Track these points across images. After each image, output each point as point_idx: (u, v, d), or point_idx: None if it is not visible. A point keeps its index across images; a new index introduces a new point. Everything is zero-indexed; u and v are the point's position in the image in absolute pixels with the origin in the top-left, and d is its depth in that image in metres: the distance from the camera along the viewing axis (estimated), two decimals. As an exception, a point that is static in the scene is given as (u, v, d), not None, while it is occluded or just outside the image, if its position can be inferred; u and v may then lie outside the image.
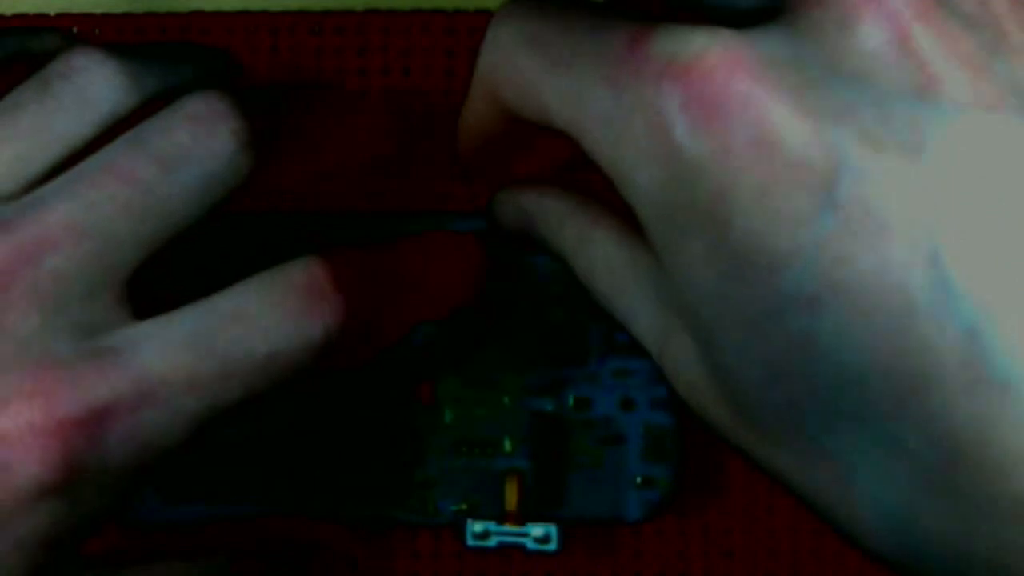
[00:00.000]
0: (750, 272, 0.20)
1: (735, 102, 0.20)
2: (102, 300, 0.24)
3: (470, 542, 0.30)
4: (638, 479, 0.30)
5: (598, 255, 0.26)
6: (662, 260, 0.22)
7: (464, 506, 0.30)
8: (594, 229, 0.26)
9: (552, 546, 0.30)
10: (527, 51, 0.23)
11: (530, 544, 0.30)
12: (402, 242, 0.28)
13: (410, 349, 0.30)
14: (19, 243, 0.24)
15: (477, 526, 0.30)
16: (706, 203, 0.21)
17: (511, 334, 0.31)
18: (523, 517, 0.30)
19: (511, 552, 0.32)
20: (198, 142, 0.25)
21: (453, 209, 0.33)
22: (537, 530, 0.30)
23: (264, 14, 0.34)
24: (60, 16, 0.34)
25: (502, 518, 0.30)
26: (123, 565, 0.29)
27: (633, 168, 0.22)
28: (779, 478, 0.22)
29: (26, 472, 0.23)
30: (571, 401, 0.30)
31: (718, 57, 0.20)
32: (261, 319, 0.25)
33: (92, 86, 0.26)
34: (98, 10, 0.34)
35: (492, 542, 0.30)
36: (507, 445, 0.30)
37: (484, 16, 0.34)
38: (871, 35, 0.20)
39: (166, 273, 0.27)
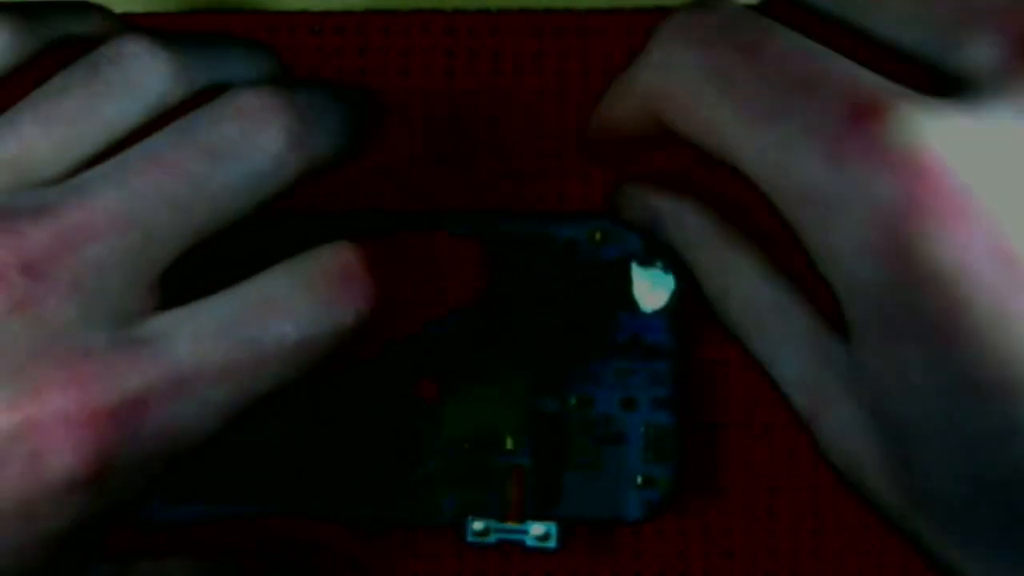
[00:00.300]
0: (979, 393, 0.19)
1: (977, 206, 0.19)
2: (140, 290, 0.24)
3: (470, 539, 0.30)
4: (639, 479, 0.30)
5: (738, 287, 0.26)
6: (860, 351, 0.21)
7: (465, 504, 0.30)
8: (735, 257, 0.26)
9: (551, 544, 0.30)
10: (716, 90, 0.22)
11: (529, 542, 0.30)
12: (415, 238, 0.28)
13: (412, 347, 0.30)
14: (61, 229, 0.23)
15: (477, 524, 0.30)
16: (936, 314, 0.20)
17: (513, 333, 0.31)
18: (523, 515, 0.30)
19: (511, 551, 0.32)
20: (247, 137, 0.25)
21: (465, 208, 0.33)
22: (537, 528, 0.30)
23: (264, 14, 0.34)
24: (59, 16, 0.34)
25: (503, 516, 0.30)
26: (136, 559, 0.29)
27: (847, 257, 0.21)
28: (951, 570, 0.21)
29: (58, 463, 0.23)
30: (572, 400, 0.30)
31: (958, 152, 0.19)
32: (292, 305, 0.25)
33: (142, 74, 0.25)
34: (97, 10, 0.34)
35: (492, 539, 0.30)
36: (508, 443, 0.30)
37: (484, 16, 0.34)
38: None
39: (197, 261, 0.26)
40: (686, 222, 0.27)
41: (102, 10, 0.29)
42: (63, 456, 0.23)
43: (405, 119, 0.34)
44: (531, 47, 0.34)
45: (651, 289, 0.30)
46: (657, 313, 0.30)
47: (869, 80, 0.21)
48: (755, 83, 0.22)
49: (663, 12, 0.33)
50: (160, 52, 0.25)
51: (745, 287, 0.26)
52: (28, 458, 0.23)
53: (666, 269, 0.30)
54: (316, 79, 0.28)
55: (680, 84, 0.23)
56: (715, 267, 0.26)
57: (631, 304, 0.30)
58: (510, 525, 0.30)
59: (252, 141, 0.25)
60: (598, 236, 0.30)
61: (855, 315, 0.21)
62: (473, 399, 0.30)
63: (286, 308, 0.25)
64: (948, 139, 0.20)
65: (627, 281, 0.30)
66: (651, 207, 0.28)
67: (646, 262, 0.30)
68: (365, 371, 0.30)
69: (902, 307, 0.20)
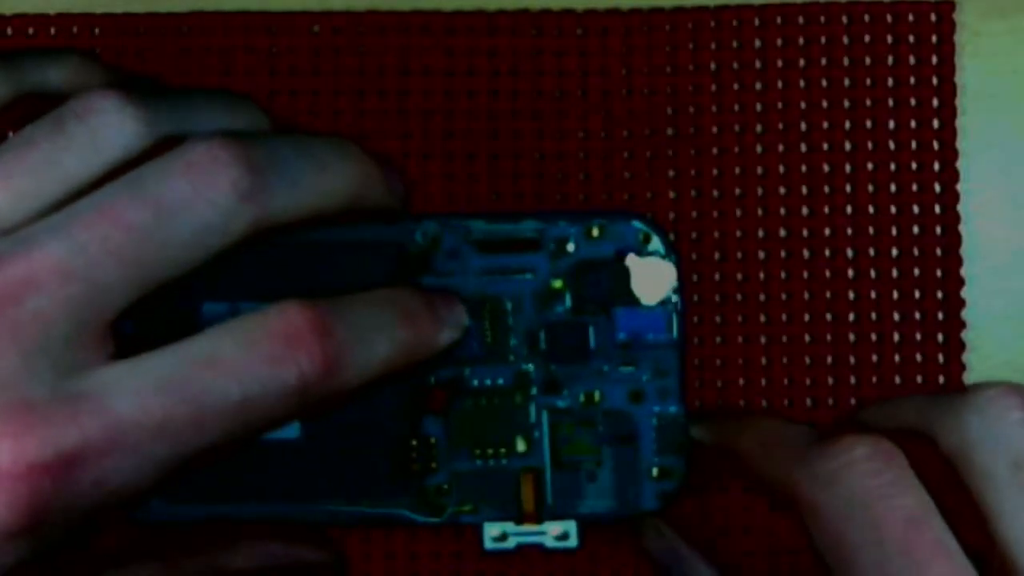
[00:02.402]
0: None
1: None
2: (84, 342, 0.24)
3: (488, 545, 0.30)
4: (654, 471, 0.30)
5: None
6: None
7: (479, 511, 0.30)
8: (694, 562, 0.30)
9: (572, 543, 0.30)
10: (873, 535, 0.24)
11: (549, 543, 0.30)
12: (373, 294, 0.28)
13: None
14: (3, 281, 0.23)
15: (494, 529, 0.30)
16: None
17: (515, 332, 0.30)
18: (540, 517, 0.30)
19: (529, 555, 0.32)
20: (196, 190, 0.24)
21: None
22: (556, 528, 0.30)
23: (264, 14, 0.34)
24: (60, 16, 0.34)
25: (519, 519, 0.30)
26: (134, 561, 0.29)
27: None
28: None
29: None
30: (580, 397, 0.30)
31: None
32: (236, 364, 0.24)
33: (106, 129, 0.25)
34: (98, 10, 0.34)
35: (511, 544, 0.30)
36: (519, 445, 0.30)
37: (482, 16, 0.34)
38: None
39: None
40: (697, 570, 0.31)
41: (82, 54, 0.29)
42: None
43: (404, 118, 0.34)
44: (530, 47, 0.34)
45: (651, 280, 0.30)
46: (656, 306, 0.30)
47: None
48: (902, 560, 0.24)
49: (660, 13, 0.33)
50: (127, 108, 0.25)
51: None
52: None
53: (663, 260, 0.30)
54: (298, 132, 0.28)
55: (835, 513, 0.25)
56: None
57: (632, 298, 0.30)
58: (528, 528, 0.30)
59: (200, 194, 0.24)
60: (596, 232, 0.30)
61: None
62: (481, 404, 0.30)
63: (229, 367, 0.24)
64: None
65: (627, 275, 0.30)
66: (673, 546, 0.31)
67: (645, 255, 0.30)
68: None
69: None
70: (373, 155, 0.28)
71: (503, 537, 0.30)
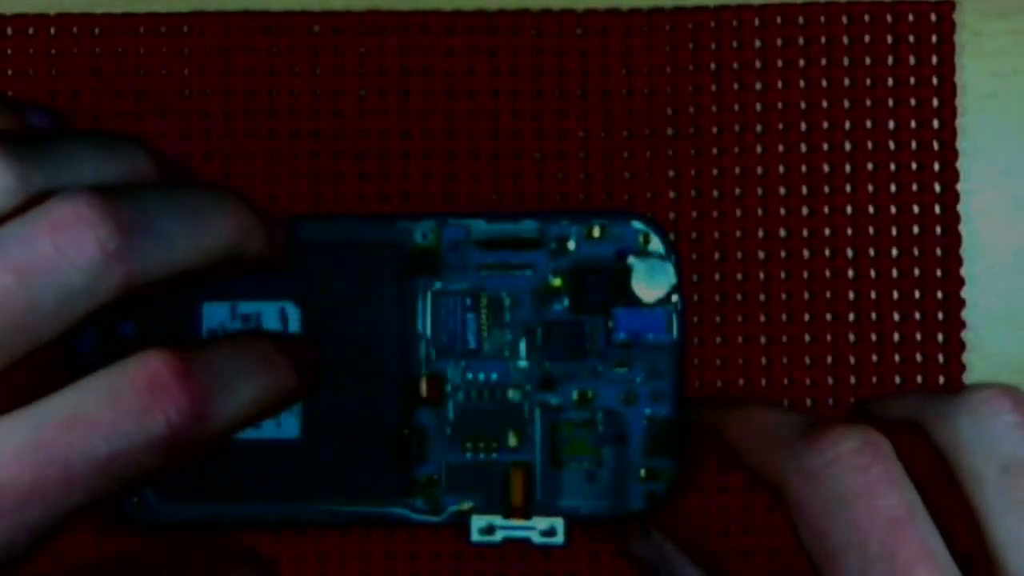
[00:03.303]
0: None
1: None
2: None
3: (475, 538, 0.30)
4: (642, 472, 0.30)
5: None
6: None
7: (468, 503, 0.30)
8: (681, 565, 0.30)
9: (559, 539, 0.30)
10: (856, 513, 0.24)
11: (536, 538, 0.30)
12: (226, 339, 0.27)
13: (409, 348, 0.30)
14: None
15: (482, 521, 0.30)
16: None
17: (512, 328, 0.31)
18: (528, 512, 0.30)
19: (516, 549, 0.32)
20: (60, 252, 0.24)
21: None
22: (543, 524, 0.30)
23: (263, 14, 0.34)
24: (60, 16, 0.34)
25: (506, 514, 0.30)
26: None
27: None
28: None
29: None
30: (574, 395, 0.30)
31: None
32: (100, 419, 0.24)
33: None
34: (98, 10, 0.34)
35: (498, 537, 0.30)
36: (511, 440, 0.30)
37: (482, 16, 0.34)
38: None
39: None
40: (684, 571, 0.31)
41: None
42: None
43: (404, 118, 0.34)
44: (530, 47, 0.34)
45: (650, 281, 0.30)
46: (656, 306, 0.30)
47: None
48: (884, 565, 0.24)
49: (660, 13, 0.33)
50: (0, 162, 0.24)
51: None
52: None
53: (663, 260, 0.30)
54: (177, 184, 0.27)
55: (821, 508, 0.24)
56: None
57: (630, 298, 0.30)
58: (515, 522, 0.30)
59: (65, 257, 0.24)
60: (596, 232, 0.30)
61: None
62: (475, 397, 0.30)
63: (95, 423, 0.24)
64: None
65: (626, 275, 0.30)
66: (661, 548, 0.31)
67: (644, 255, 0.30)
68: (368, 370, 0.30)
69: None
70: (251, 207, 0.27)
71: (490, 530, 0.30)
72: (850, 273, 0.33)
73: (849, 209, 0.33)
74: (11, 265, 0.23)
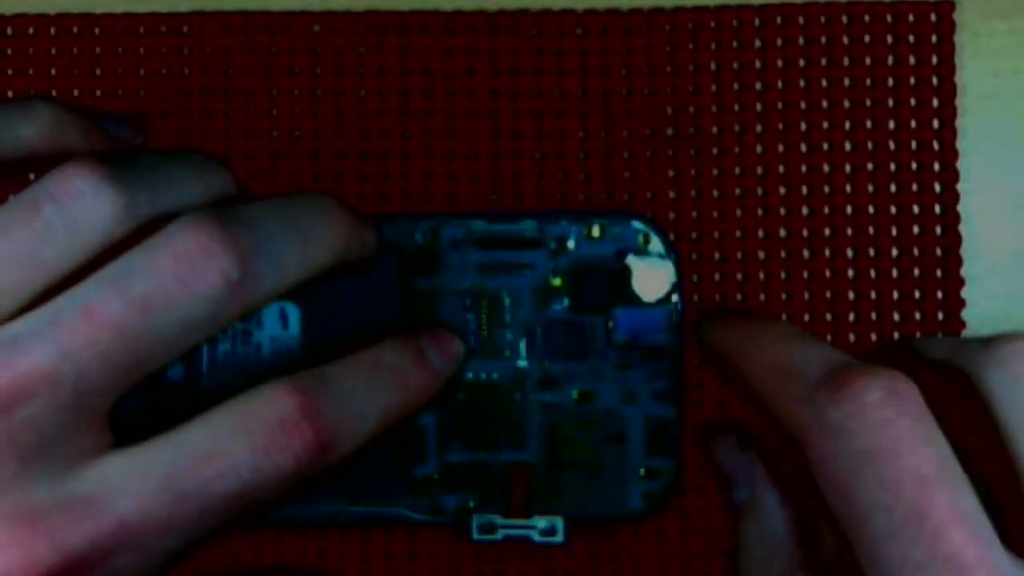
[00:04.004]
0: None
1: None
2: (79, 440, 0.24)
3: (476, 536, 0.30)
4: (641, 471, 0.30)
5: (763, 527, 0.29)
6: None
7: (469, 503, 0.30)
8: (766, 497, 0.29)
9: (558, 539, 0.30)
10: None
11: (536, 537, 0.30)
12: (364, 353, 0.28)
13: None
14: None
15: (482, 520, 0.30)
16: None
17: (512, 328, 0.31)
18: (528, 511, 0.30)
19: (516, 549, 0.32)
20: (183, 284, 0.24)
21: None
22: (542, 523, 0.30)
23: (263, 14, 0.34)
24: (60, 16, 0.34)
25: (506, 513, 0.30)
26: None
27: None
28: None
29: None
30: (574, 395, 0.30)
31: None
32: (231, 455, 0.24)
33: (85, 216, 0.25)
34: (98, 10, 0.34)
35: (498, 535, 0.30)
36: (511, 439, 0.30)
37: (482, 16, 0.34)
38: None
39: None
40: (765, 503, 0.30)
41: (51, 104, 0.29)
42: None
43: (404, 118, 0.34)
44: (530, 47, 0.34)
45: (650, 280, 0.30)
46: (657, 305, 0.30)
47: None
48: (913, 530, 0.23)
49: (660, 13, 0.33)
50: (105, 189, 0.25)
51: (767, 529, 0.28)
52: None
53: (663, 260, 0.30)
54: (276, 198, 0.27)
55: (848, 463, 0.24)
56: (749, 504, 0.29)
57: (630, 298, 0.30)
58: (516, 521, 0.30)
59: (188, 288, 0.24)
60: (596, 232, 0.30)
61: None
62: (476, 397, 0.30)
63: (227, 459, 0.24)
64: None
65: (626, 274, 0.30)
66: (752, 465, 0.30)
67: (644, 255, 0.30)
68: None
69: None
70: (349, 211, 0.28)
71: (491, 529, 0.30)
72: (850, 273, 0.33)
73: (849, 209, 0.33)
74: (136, 299, 0.24)
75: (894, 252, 0.33)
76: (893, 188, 0.33)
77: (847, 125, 0.33)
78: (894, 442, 0.23)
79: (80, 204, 0.25)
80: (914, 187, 0.33)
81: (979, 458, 0.24)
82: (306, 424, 0.25)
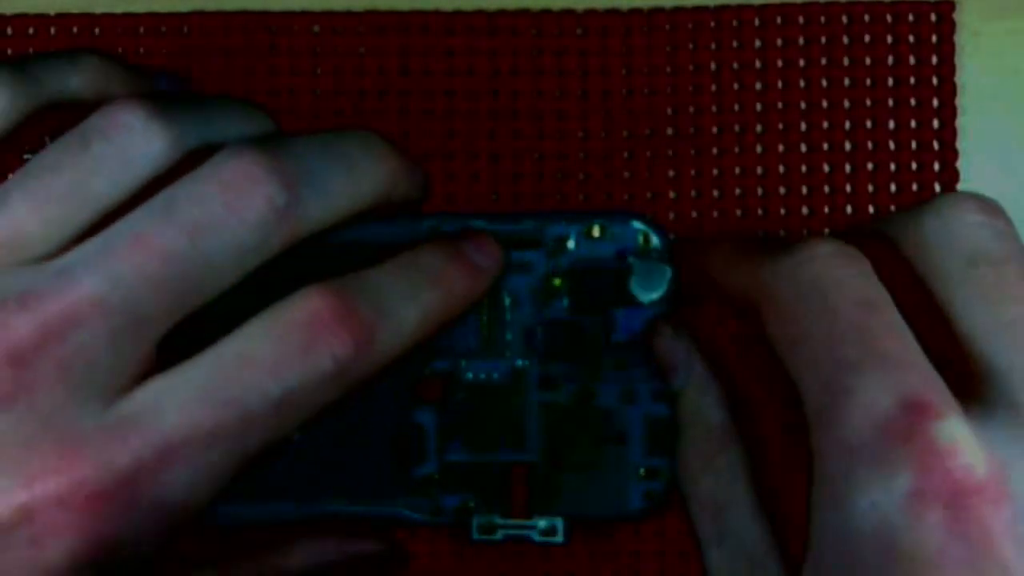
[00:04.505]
0: None
1: (996, 531, 0.21)
2: (129, 367, 0.24)
3: (475, 536, 0.30)
4: (641, 471, 0.30)
5: (700, 404, 0.28)
6: (812, 557, 0.23)
7: (469, 503, 0.30)
8: (726, 449, 0.28)
9: (558, 538, 0.30)
10: (824, 323, 0.24)
11: (536, 537, 0.30)
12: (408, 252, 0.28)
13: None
14: (45, 319, 0.23)
15: (482, 519, 0.30)
16: None
17: (512, 328, 0.31)
18: (528, 512, 0.30)
19: (516, 549, 0.32)
20: (230, 211, 0.24)
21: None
22: (542, 522, 0.30)
23: (264, 14, 0.34)
24: (60, 16, 0.34)
25: (506, 513, 0.30)
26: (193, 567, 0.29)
27: (857, 510, 0.22)
28: None
29: (58, 547, 0.23)
30: (573, 394, 0.30)
31: (990, 455, 0.22)
32: (269, 361, 0.24)
33: (134, 147, 0.25)
34: (98, 10, 0.34)
35: (498, 535, 0.30)
36: (511, 439, 0.30)
37: (482, 16, 0.34)
38: None
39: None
40: (704, 387, 0.29)
41: (100, 55, 0.29)
42: (62, 540, 0.23)
43: (404, 118, 0.34)
44: (530, 47, 0.34)
45: (648, 280, 0.30)
46: (655, 305, 0.30)
47: (932, 380, 0.23)
48: (851, 335, 0.23)
49: (660, 13, 0.33)
50: (152, 124, 0.25)
51: (722, 490, 0.27)
52: (28, 545, 0.23)
53: (662, 260, 0.30)
54: (323, 132, 0.28)
55: (793, 301, 0.24)
56: (701, 448, 0.28)
57: (629, 297, 0.30)
58: (516, 521, 0.30)
59: (235, 215, 0.25)
60: (595, 232, 0.30)
61: (825, 548, 0.23)
62: (475, 397, 0.30)
63: (264, 365, 0.24)
64: (983, 444, 0.22)
65: (625, 274, 0.30)
66: (687, 350, 0.29)
67: (644, 254, 0.30)
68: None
69: (869, 556, 0.22)
70: (397, 148, 0.28)
71: (491, 529, 0.30)
72: (850, 273, 0.33)
73: (849, 209, 0.33)
74: (185, 226, 0.24)
75: (894, 252, 0.33)
76: (893, 188, 0.33)
77: (847, 125, 0.33)
78: (841, 277, 0.24)
79: (128, 137, 0.25)
80: (914, 187, 0.33)
81: (916, 321, 0.24)
82: (340, 322, 0.25)
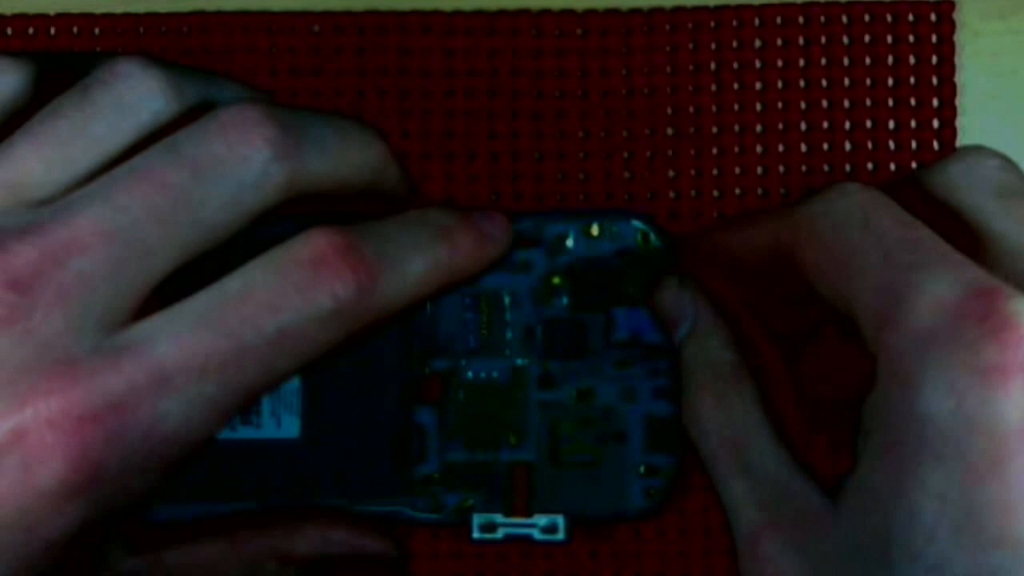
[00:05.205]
0: (982, 538, 0.22)
1: None
2: (129, 301, 0.24)
3: (476, 535, 0.30)
4: (641, 468, 0.30)
5: (707, 347, 0.28)
6: (869, 474, 0.23)
7: (469, 501, 0.30)
8: (738, 388, 0.28)
9: (560, 536, 0.30)
10: (871, 239, 0.24)
11: (537, 535, 0.30)
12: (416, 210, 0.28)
13: (415, 342, 0.30)
14: (46, 246, 0.24)
15: (483, 519, 0.30)
16: (980, 458, 0.22)
17: (512, 326, 0.31)
18: (529, 510, 0.30)
19: (516, 548, 0.32)
20: (232, 149, 0.25)
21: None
22: (543, 520, 0.30)
23: (264, 14, 0.34)
24: (60, 16, 0.34)
25: (508, 511, 0.30)
26: (167, 544, 0.29)
27: (926, 390, 0.22)
28: None
29: (48, 470, 0.23)
30: (573, 393, 0.30)
31: None
32: (268, 295, 0.25)
33: (131, 92, 0.25)
34: (98, 10, 0.34)
35: (499, 534, 0.30)
36: (511, 438, 0.30)
37: (482, 16, 0.34)
38: None
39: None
40: (712, 329, 0.29)
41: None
42: (52, 463, 0.23)
43: (404, 118, 0.34)
44: (530, 47, 0.34)
45: (648, 279, 0.30)
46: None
47: (991, 275, 0.23)
48: (903, 245, 0.24)
49: (660, 13, 0.33)
50: (151, 70, 0.26)
51: (741, 422, 0.27)
52: (19, 468, 0.23)
53: (661, 259, 0.30)
54: (323, 110, 0.28)
55: (834, 230, 0.25)
56: (713, 388, 0.28)
57: (629, 295, 0.30)
58: (516, 519, 0.30)
59: (235, 153, 0.25)
60: (595, 231, 0.31)
61: (896, 437, 0.23)
62: (475, 396, 0.30)
63: (262, 298, 0.25)
64: None
65: (624, 273, 0.30)
66: (692, 300, 0.29)
67: (643, 253, 0.30)
68: (368, 368, 0.30)
69: (951, 439, 0.22)
70: (388, 142, 0.29)
71: (491, 528, 0.30)
72: (850, 273, 0.33)
73: (849, 209, 0.33)
74: (187, 162, 0.25)
75: (894, 252, 0.33)
76: (893, 188, 0.33)
77: (847, 125, 0.33)
78: (877, 204, 0.25)
79: (126, 83, 0.25)
80: (914, 187, 0.33)
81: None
82: (344, 261, 0.25)
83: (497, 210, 0.30)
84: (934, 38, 0.33)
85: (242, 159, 0.25)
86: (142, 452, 0.24)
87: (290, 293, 0.25)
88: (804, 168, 0.33)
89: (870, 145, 0.33)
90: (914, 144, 0.33)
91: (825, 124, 0.33)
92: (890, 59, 0.33)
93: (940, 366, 0.22)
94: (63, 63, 0.27)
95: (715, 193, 0.33)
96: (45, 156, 0.25)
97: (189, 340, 0.24)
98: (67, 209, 0.24)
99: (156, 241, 0.24)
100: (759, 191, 0.33)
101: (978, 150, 0.26)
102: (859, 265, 0.24)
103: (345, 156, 0.27)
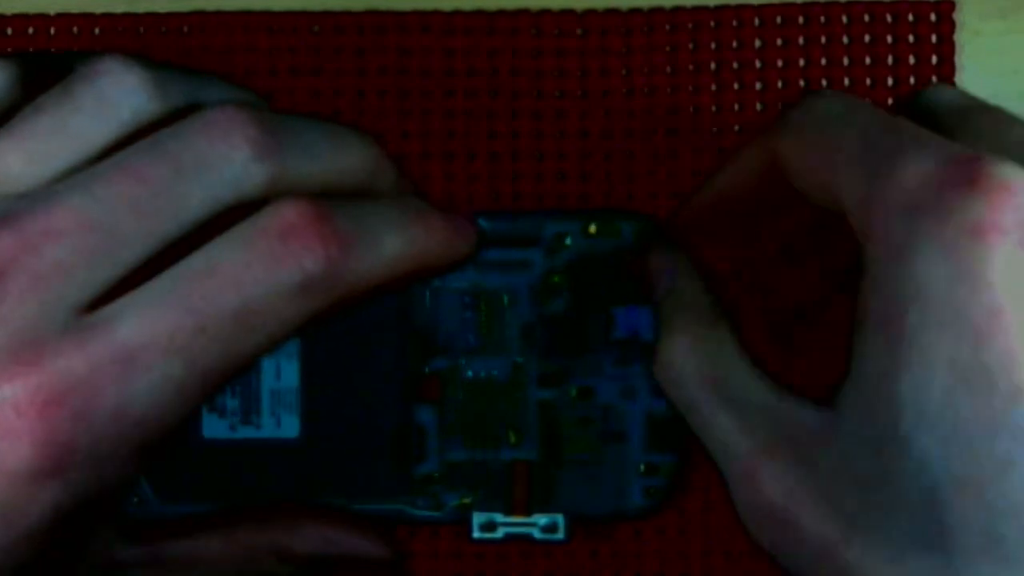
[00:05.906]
0: (994, 395, 0.22)
1: None
2: (101, 288, 0.24)
3: (476, 534, 0.30)
4: (641, 467, 0.30)
5: (685, 294, 0.28)
6: (873, 351, 0.23)
7: (469, 500, 0.30)
8: (717, 326, 0.27)
9: (560, 535, 0.30)
10: (854, 133, 0.24)
11: (537, 534, 0.30)
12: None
13: (413, 341, 0.30)
14: (24, 233, 0.23)
15: (483, 518, 0.30)
16: (983, 315, 0.22)
17: (511, 325, 0.31)
18: (529, 509, 0.30)
19: (516, 547, 0.32)
20: (213, 147, 0.25)
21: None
22: (543, 519, 0.30)
23: (264, 14, 0.34)
24: (60, 16, 0.34)
25: (508, 510, 0.30)
26: (174, 536, 0.29)
27: (919, 254, 0.22)
28: None
29: (17, 456, 0.23)
30: (573, 391, 0.30)
31: None
32: (233, 269, 0.24)
33: (113, 89, 0.25)
34: (98, 10, 0.34)
35: (499, 533, 0.30)
36: (511, 437, 0.30)
37: (482, 16, 0.34)
38: None
39: None
40: (692, 277, 0.29)
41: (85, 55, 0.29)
42: (21, 448, 0.23)
43: (403, 119, 0.34)
44: (530, 47, 0.34)
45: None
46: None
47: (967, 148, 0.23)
48: (887, 128, 0.24)
49: (660, 13, 0.34)
50: (134, 68, 0.25)
51: (715, 353, 0.27)
52: None
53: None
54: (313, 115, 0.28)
55: (817, 127, 0.25)
56: (691, 329, 0.27)
57: (628, 294, 0.30)
58: (516, 519, 0.30)
59: (217, 151, 0.25)
60: (593, 230, 0.31)
61: (893, 314, 0.23)
62: (475, 395, 0.30)
63: (227, 272, 0.24)
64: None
65: (623, 271, 0.30)
66: (675, 260, 0.29)
67: (643, 253, 0.30)
68: (367, 368, 0.30)
69: (951, 301, 0.22)
70: (384, 149, 0.28)
71: (491, 527, 0.30)
72: (850, 273, 0.33)
73: (849, 208, 0.33)
74: (168, 158, 0.25)
75: (894, 252, 0.33)
76: (893, 188, 0.33)
77: (847, 125, 0.33)
78: (855, 101, 0.25)
79: (108, 79, 0.25)
80: (914, 187, 0.33)
81: None
82: (314, 232, 0.24)
83: (465, 213, 0.29)
84: (934, 38, 0.33)
85: (223, 157, 0.25)
86: (112, 435, 0.23)
87: (256, 267, 0.24)
88: (804, 168, 0.33)
89: (870, 145, 0.33)
90: (914, 144, 0.33)
91: (825, 124, 0.33)
92: (890, 59, 0.33)
93: (931, 233, 0.22)
94: (49, 63, 0.27)
95: (715, 193, 0.33)
96: (25, 150, 0.25)
97: (152, 318, 0.24)
98: (45, 199, 0.24)
99: (132, 231, 0.24)
100: (759, 191, 0.33)
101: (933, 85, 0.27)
102: (844, 155, 0.24)
103: (333, 158, 0.27)
